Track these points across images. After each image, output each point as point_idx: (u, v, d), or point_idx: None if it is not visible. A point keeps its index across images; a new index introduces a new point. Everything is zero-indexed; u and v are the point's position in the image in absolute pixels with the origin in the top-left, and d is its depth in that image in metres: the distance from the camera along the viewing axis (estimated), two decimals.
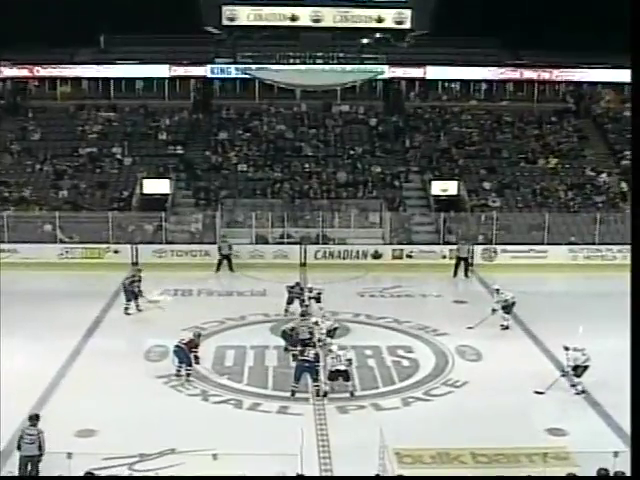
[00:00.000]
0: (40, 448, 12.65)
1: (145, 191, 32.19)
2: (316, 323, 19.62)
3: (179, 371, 17.89)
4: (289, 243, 30.66)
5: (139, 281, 23.22)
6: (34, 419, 13.07)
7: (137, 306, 23.09)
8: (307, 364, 16.87)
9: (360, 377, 17.92)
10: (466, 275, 28.13)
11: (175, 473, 11.80)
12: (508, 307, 21.65)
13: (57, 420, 14.35)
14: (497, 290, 21.90)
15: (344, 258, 30.00)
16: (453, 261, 28.64)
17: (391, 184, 33.91)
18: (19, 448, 12.79)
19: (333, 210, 31.93)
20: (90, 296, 24.09)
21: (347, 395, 16.85)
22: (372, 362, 19.08)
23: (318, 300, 22.31)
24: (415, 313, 23.27)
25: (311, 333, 19.02)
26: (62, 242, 29.90)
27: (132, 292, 22.81)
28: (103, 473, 12.30)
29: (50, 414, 14.74)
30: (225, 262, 28.47)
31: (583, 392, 16.94)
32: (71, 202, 32.19)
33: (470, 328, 21.41)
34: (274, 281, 25.98)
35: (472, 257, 28.88)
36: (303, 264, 29.55)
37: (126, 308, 22.86)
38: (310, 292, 22.61)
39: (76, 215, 30.88)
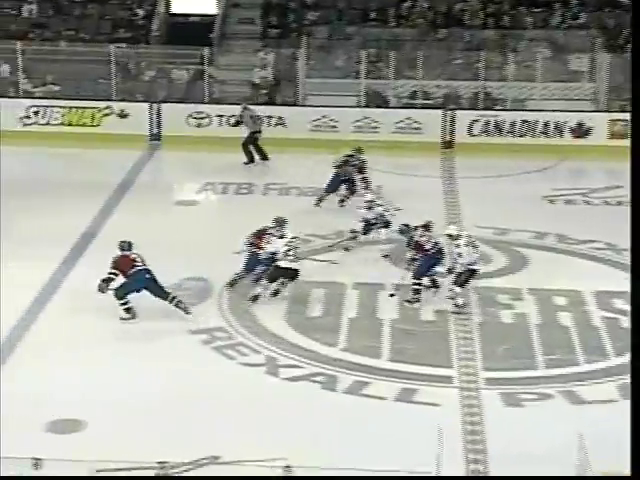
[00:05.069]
0: None
1: (174, 10, 32.72)
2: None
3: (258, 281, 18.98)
4: (424, 107, 30.84)
5: None
6: None
7: None
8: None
9: (544, 343, 17.93)
10: None
11: None
12: None
13: (14, 402, 14.63)
14: None
15: (521, 135, 30.18)
16: None
17: None
18: None
19: (503, 48, 31.62)
20: (78, 189, 24.53)
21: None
22: (566, 319, 19.08)
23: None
24: None
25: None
26: (28, 96, 30.46)
27: None
28: None
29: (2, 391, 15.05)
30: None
31: None
32: (40, 26, 32.60)
33: None
34: (392, 172, 25.98)
35: None
36: (448, 143, 29.66)
37: None
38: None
39: (52, 49, 31.35)
